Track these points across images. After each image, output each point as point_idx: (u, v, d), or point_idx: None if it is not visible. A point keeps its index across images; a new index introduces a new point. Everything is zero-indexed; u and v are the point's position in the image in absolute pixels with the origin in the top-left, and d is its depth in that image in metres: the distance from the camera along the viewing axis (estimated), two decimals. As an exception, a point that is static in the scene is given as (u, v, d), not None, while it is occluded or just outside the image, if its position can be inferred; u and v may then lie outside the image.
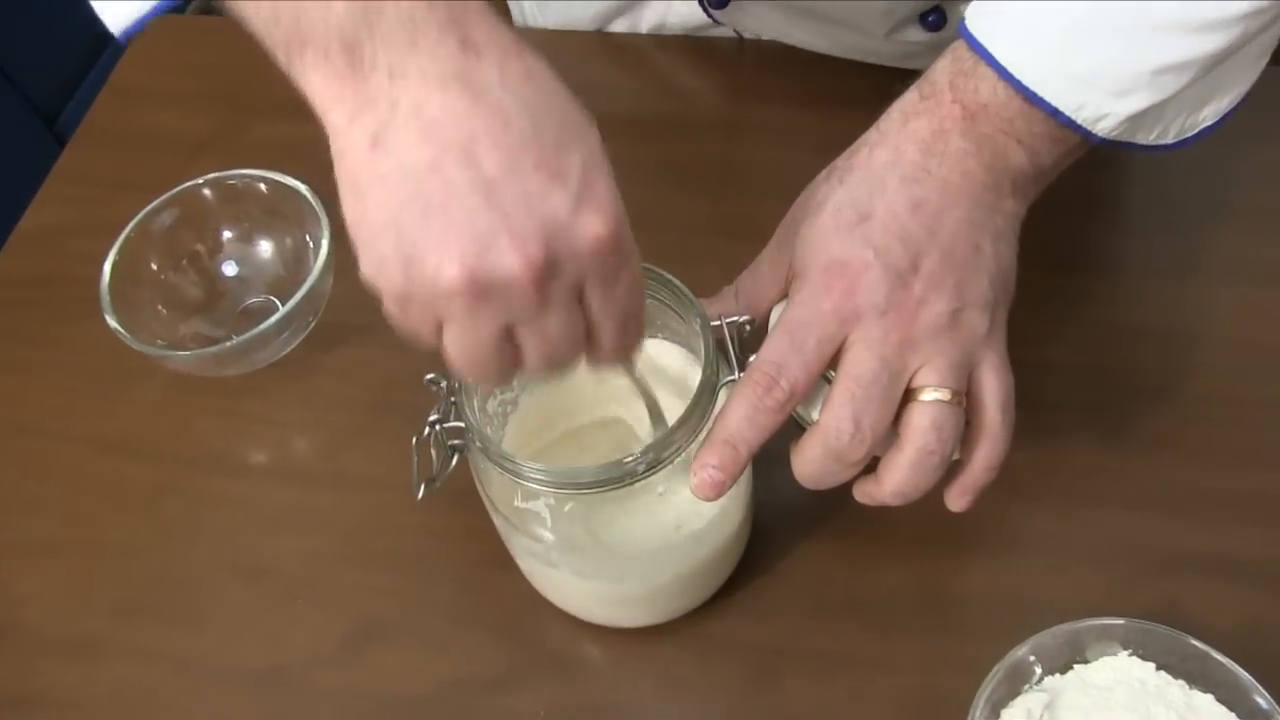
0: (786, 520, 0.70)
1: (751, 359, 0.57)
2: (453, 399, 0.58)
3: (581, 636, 0.69)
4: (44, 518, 0.76)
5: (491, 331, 0.48)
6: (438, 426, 0.59)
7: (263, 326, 0.75)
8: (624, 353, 0.53)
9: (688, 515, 0.62)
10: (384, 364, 0.79)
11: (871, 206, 0.56)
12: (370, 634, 0.70)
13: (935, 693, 0.65)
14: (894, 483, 0.56)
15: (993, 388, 0.57)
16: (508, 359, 0.50)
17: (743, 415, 0.56)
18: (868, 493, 0.58)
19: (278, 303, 0.82)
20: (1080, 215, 0.82)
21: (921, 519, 0.67)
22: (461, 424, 0.58)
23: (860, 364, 0.55)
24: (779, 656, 0.67)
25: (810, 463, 0.56)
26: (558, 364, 0.51)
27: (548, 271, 0.46)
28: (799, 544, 0.70)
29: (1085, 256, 0.81)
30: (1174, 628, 0.59)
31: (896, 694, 0.65)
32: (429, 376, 0.60)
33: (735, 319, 0.60)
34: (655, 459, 0.55)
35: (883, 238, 0.56)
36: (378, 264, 0.47)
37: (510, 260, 0.45)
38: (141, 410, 0.80)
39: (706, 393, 0.57)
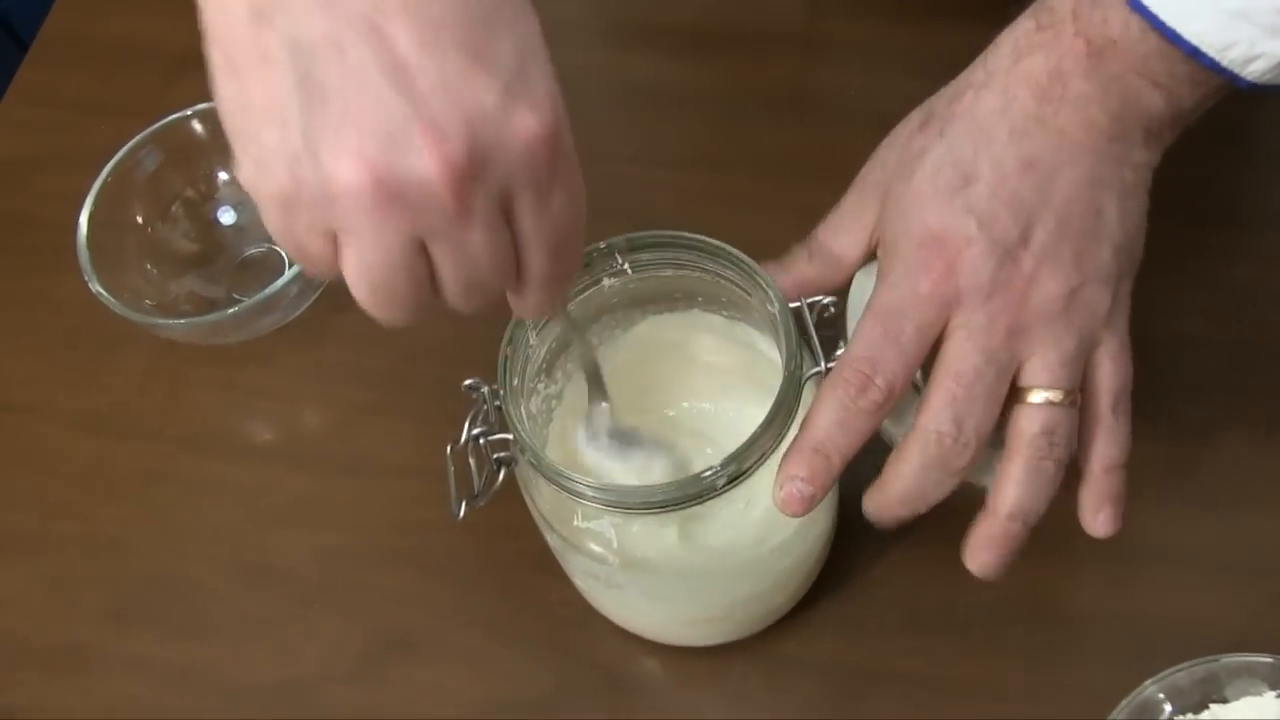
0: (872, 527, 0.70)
1: (839, 352, 0.57)
2: (497, 404, 0.59)
3: (640, 653, 0.69)
4: (21, 508, 0.77)
5: (399, 247, 0.45)
6: (481, 441, 0.59)
7: (268, 290, 0.74)
8: (556, 285, 0.50)
9: (772, 527, 0.61)
10: (406, 330, 0.78)
11: (976, 166, 0.56)
12: (394, 647, 0.70)
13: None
14: (1010, 501, 0.56)
15: (1108, 378, 0.57)
16: (419, 284, 0.48)
17: (834, 419, 0.55)
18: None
19: (281, 253, 0.82)
20: (1227, 158, 0.81)
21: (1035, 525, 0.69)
22: (508, 435, 0.58)
23: (962, 357, 0.54)
24: (863, 678, 0.67)
25: (905, 477, 0.56)
26: (479, 292, 0.49)
27: (470, 173, 0.44)
28: (889, 549, 0.70)
29: (1232, 208, 0.80)
30: (1332, 663, 0.59)
31: (999, 724, 0.65)
32: (468, 382, 0.59)
33: (818, 299, 0.60)
34: (737, 470, 0.55)
35: (989, 205, 0.55)
36: (256, 161, 0.45)
37: (424, 158, 0.43)
38: (129, 381, 0.80)
39: (792, 389, 0.57)
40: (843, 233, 0.61)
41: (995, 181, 0.55)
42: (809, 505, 0.56)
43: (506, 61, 0.44)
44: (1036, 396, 0.55)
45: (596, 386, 0.62)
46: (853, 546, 0.70)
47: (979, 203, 0.55)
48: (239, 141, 0.46)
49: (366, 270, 0.47)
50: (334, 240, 0.46)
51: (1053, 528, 0.68)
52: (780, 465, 0.56)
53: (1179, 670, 0.59)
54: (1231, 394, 0.73)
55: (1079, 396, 0.56)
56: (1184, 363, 0.74)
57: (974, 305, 0.55)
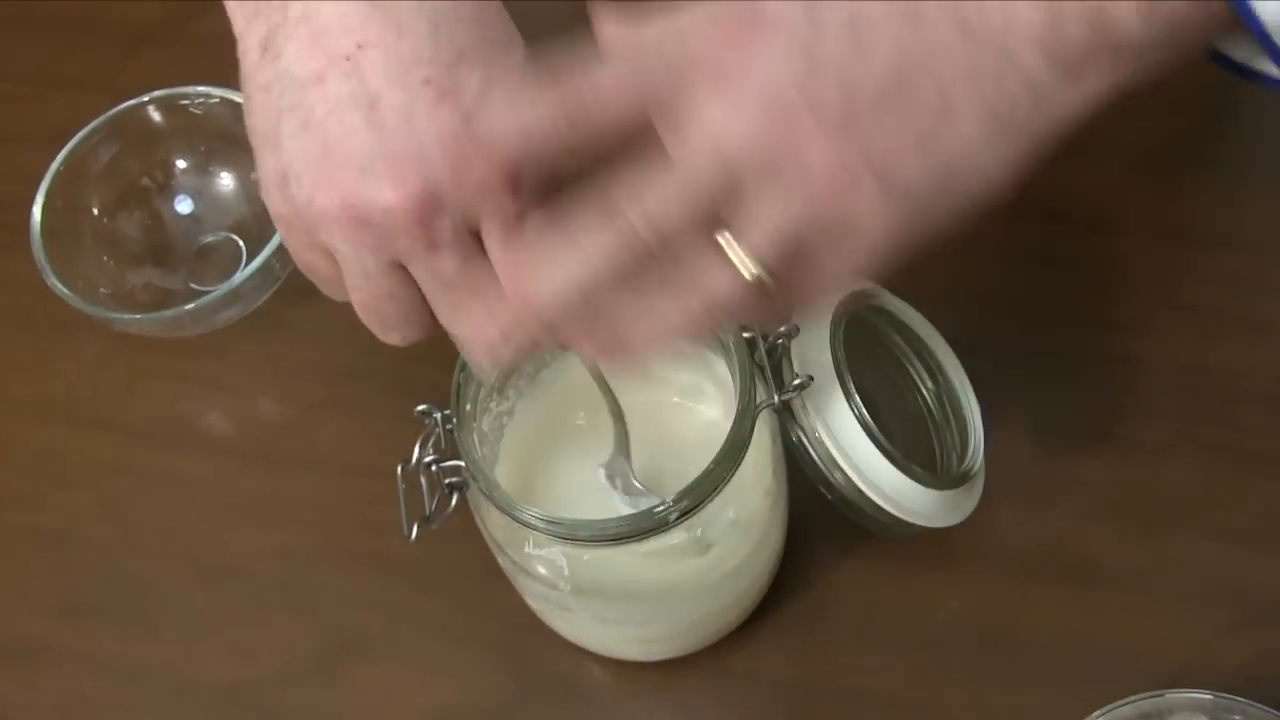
0: (824, 535, 0.70)
1: (795, 382, 0.57)
2: (449, 429, 0.59)
3: (592, 663, 0.70)
4: (-32, 497, 0.76)
5: (378, 270, 0.49)
6: (433, 467, 0.59)
7: (228, 284, 0.74)
8: (529, 318, 0.48)
9: (725, 553, 0.62)
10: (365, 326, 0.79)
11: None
12: (350, 649, 0.71)
13: (992, 748, 0.66)
14: None
15: None
16: (405, 305, 0.51)
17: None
18: None
19: (239, 241, 0.81)
20: (1190, 174, 0.81)
21: (985, 544, 0.70)
22: (460, 461, 0.58)
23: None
24: (811, 695, 0.68)
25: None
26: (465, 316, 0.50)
27: (427, 204, 0.46)
28: (839, 564, 0.71)
29: (1191, 226, 0.80)
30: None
31: (946, 749, 0.66)
32: (420, 408, 0.59)
33: (780, 330, 0.60)
34: (690, 505, 0.56)
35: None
36: (261, 182, 0.50)
37: (384, 188, 0.46)
38: (82, 368, 0.80)
39: (746, 423, 0.57)
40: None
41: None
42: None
43: (471, 95, 0.46)
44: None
45: (622, 437, 0.62)
46: (802, 559, 0.71)
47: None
48: (256, 159, 0.51)
49: (354, 290, 0.50)
50: (329, 256, 0.49)
51: (1007, 550, 0.70)
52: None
53: (1124, 704, 0.61)
54: (1183, 418, 0.74)
55: None
56: (1137, 384, 0.74)
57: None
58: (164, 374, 0.80)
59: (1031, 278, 0.78)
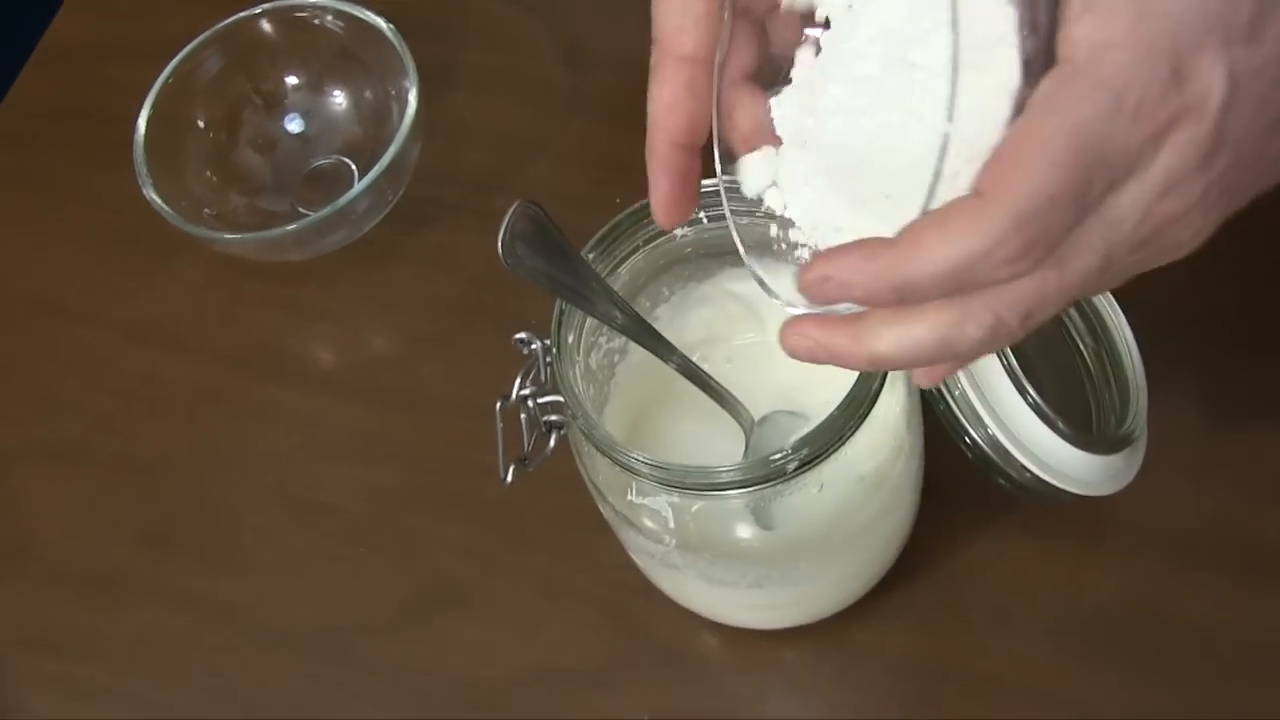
0: (963, 501, 0.65)
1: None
2: (549, 362, 0.55)
3: (699, 629, 0.66)
4: (63, 418, 0.75)
5: None
6: (530, 402, 0.55)
7: (335, 205, 0.71)
8: None
9: (847, 512, 0.58)
10: (478, 254, 0.74)
11: (1268, 20, 0.38)
12: (441, 599, 0.68)
13: (1139, 748, 0.61)
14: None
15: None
16: None
17: (945, 278, 0.38)
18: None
19: (351, 165, 0.79)
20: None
21: (1143, 519, 0.65)
22: (559, 397, 0.54)
23: (1083, 255, 0.39)
24: (940, 678, 0.64)
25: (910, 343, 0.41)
26: None
27: None
28: (979, 534, 0.66)
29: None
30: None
31: (1089, 744, 0.62)
32: (519, 336, 0.55)
33: None
34: (810, 455, 0.51)
35: (1245, 88, 0.38)
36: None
37: None
38: (184, 291, 0.79)
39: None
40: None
41: (1271, 60, 0.38)
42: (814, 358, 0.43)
43: None
44: None
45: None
46: (937, 529, 0.66)
47: (1241, 78, 0.38)
48: None
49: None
50: None
51: (1169, 526, 0.64)
52: (843, 259, 0.40)
53: None
54: None
55: None
56: None
57: (1143, 196, 0.38)
58: (266, 301, 0.78)
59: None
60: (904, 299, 0.39)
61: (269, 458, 0.73)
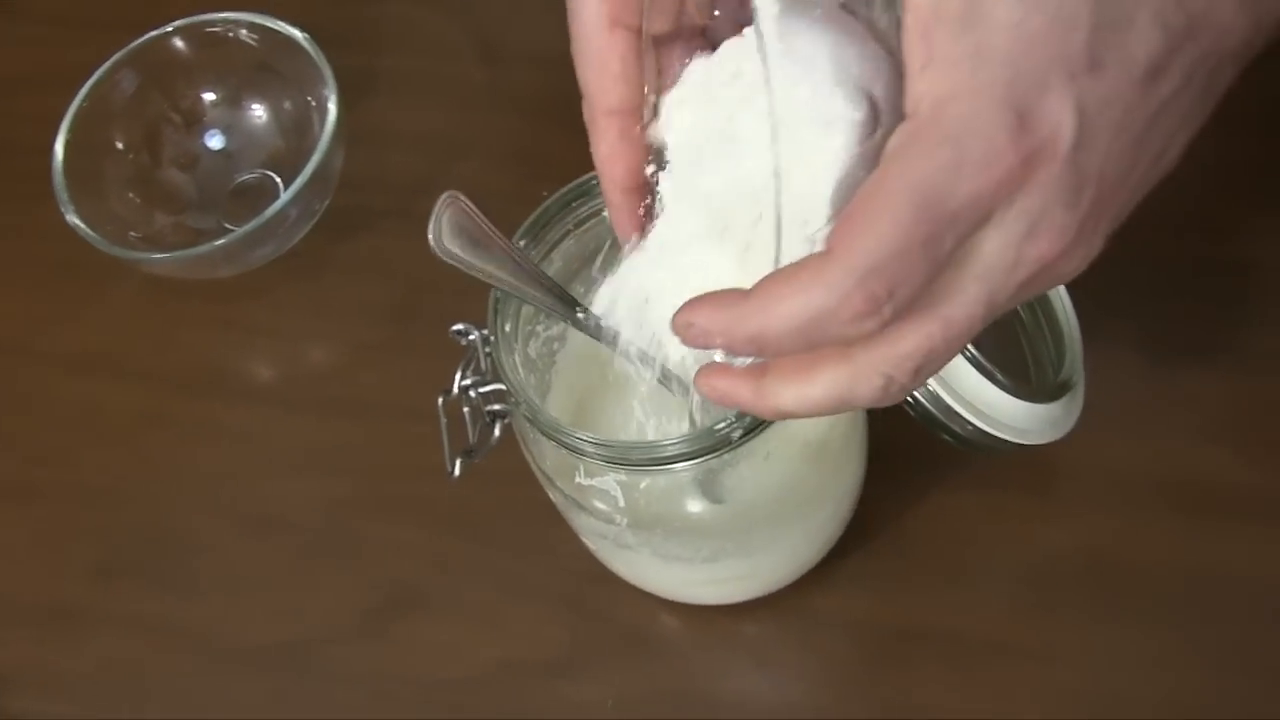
0: (910, 461, 0.65)
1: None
2: (489, 351, 0.55)
3: (659, 610, 0.66)
4: (5, 455, 0.74)
5: None
6: (472, 393, 0.55)
7: (261, 218, 0.71)
8: None
9: (796, 479, 0.58)
10: (410, 257, 0.73)
11: (1124, 37, 0.38)
12: (402, 603, 0.68)
13: (1098, 691, 0.61)
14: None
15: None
16: None
17: (798, 326, 0.38)
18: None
19: (276, 179, 0.78)
20: None
21: (1089, 469, 0.65)
22: (501, 386, 0.54)
23: (965, 304, 0.39)
24: (903, 638, 0.64)
25: (814, 394, 0.42)
26: None
27: None
28: (928, 494, 0.67)
29: None
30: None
31: (1054, 691, 0.62)
32: (456, 327, 0.55)
33: None
34: (754, 422, 0.51)
35: (1097, 118, 0.37)
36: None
37: None
38: (118, 318, 0.78)
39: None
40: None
41: (1121, 89, 0.38)
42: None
43: None
44: None
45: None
46: (887, 490, 0.66)
47: (1089, 108, 0.37)
48: None
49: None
50: None
51: (1116, 472, 0.65)
52: (700, 308, 0.40)
53: None
54: None
55: None
56: (1251, 290, 0.69)
57: (1010, 239, 0.38)
58: (202, 320, 0.77)
59: None
60: (761, 351, 0.40)
61: (217, 477, 0.72)
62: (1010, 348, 0.62)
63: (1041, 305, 0.63)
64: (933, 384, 0.56)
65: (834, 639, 0.65)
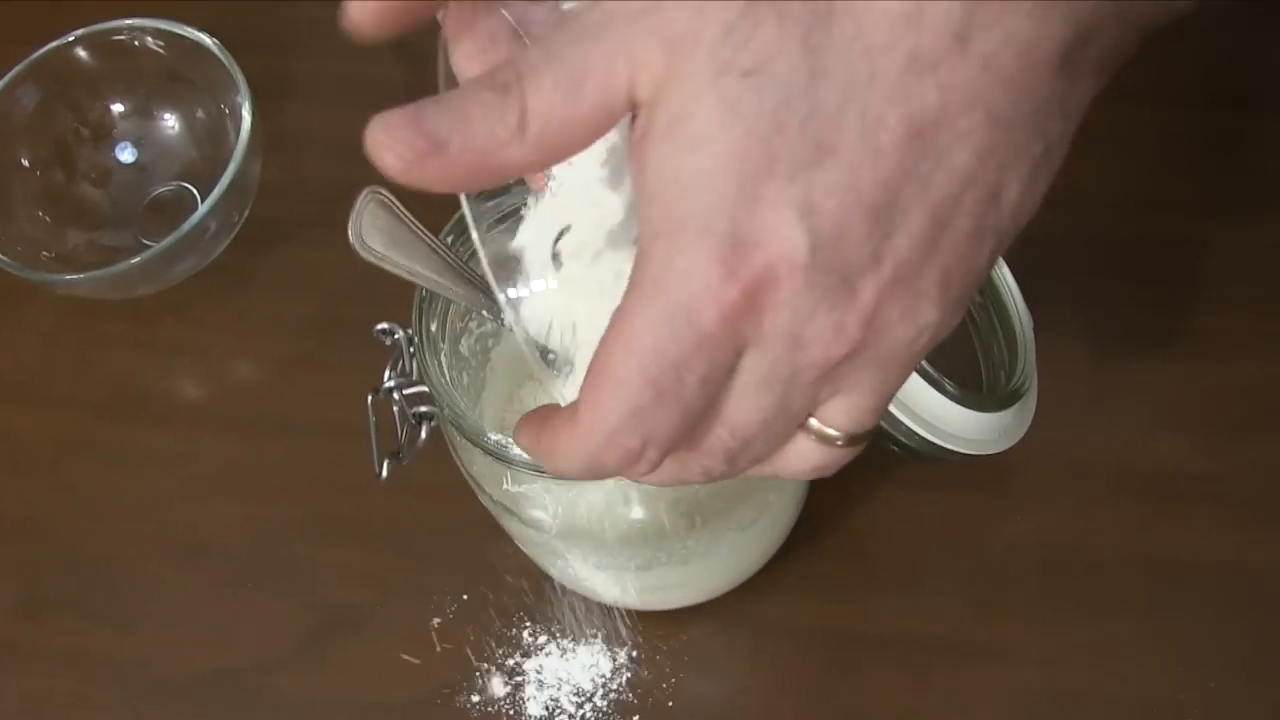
0: (862, 458, 0.63)
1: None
2: (412, 352, 0.53)
3: (607, 616, 0.64)
4: (-81, 490, 0.72)
5: None
6: (397, 394, 0.53)
7: (179, 232, 0.68)
8: None
9: (733, 485, 0.56)
10: (334, 268, 0.73)
11: (840, 126, 0.34)
12: (338, 626, 0.66)
13: (1057, 690, 0.60)
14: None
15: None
16: None
17: (577, 464, 0.38)
18: None
19: (193, 190, 0.76)
20: (1250, 32, 0.73)
21: (1040, 462, 0.64)
22: (426, 388, 0.52)
23: (748, 410, 0.38)
24: (855, 643, 0.63)
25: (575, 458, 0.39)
26: None
27: None
28: (875, 492, 0.65)
29: (1254, 90, 0.73)
30: None
31: (1009, 690, 0.61)
32: (380, 327, 0.54)
33: None
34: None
35: (839, 209, 0.34)
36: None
37: None
38: (33, 341, 0.75)
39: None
40: (585, 94, 0.35)
41: (859, 162, 0.34)
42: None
43: None
44: (825, 433, 0.40)
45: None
46: (835, 489, 0.62)
47: (824, 203, 0.34)
48: None
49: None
50: None
51: (1070, 465, 0.64)
52: (520, 433, 0.41)
53: None
54: (1256, 305, 0.67)
55: None
56: (1201, 269, 0.68)
57: (777, 355, 0.36)
58: (121, 341, 0.75)
59: (1074, 158, 0.69)
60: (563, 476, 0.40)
61: (143, 503, 0.70)
62: (962, 352, 0.60)
63: (995, 306, 0.61)
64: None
65: (786, 647, 0.63)
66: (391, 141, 0.35)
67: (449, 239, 0.52)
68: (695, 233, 0.33)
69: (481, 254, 0.43)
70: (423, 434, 0.54)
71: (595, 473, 0.38)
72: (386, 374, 0.54)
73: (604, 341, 0.36)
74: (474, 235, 0.43)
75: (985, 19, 0.33)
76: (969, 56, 0.33)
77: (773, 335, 0.35)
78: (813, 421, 0.38)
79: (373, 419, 0.54)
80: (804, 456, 0.40)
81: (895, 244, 0.35)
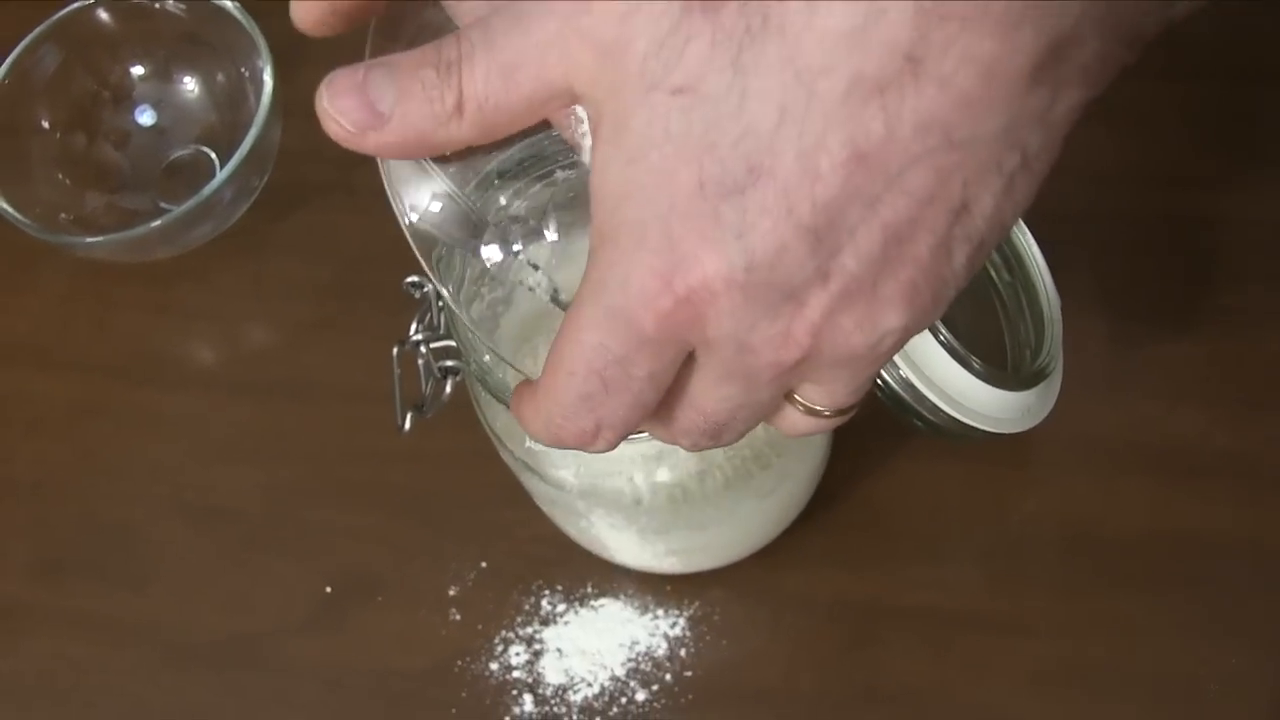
0: (881, 429, 0.63)
1: None
2: (440, 306, 0.52)
3: (626, 585, 0.64)
4: (-67, 450, 0.71)
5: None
6: (423, 347, 0.53)
7: (199, 197, 0.68)
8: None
9: (755, 451, 0.56)
10: (355, 233, 0.73)
11: (774, 149, 0.32)
12: (355, 592, 0.65)
13: (1076, 664, 0.60)
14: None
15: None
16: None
17: (544, 434, 0.40)
18: None
19: (211, 154, 0.75)
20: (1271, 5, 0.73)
21: (1061, 434, 0.63)
22: (453, 342, 0.52)
23: (709, 400, 0.38)
24: (874, 615, 0.62)
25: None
26: None
27: None
28: (899, 462, 0.65)
29: (1275, 64, 0.72)
30: None
31: (1030, 664, 0.60)
32: (409, 279, 0.53)
33: None
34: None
35: (774, 232, 0.33)
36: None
37: None
38: (49, 303, 0.75)
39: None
40: (519, 82, 0.35)
41: (795, 185, 0.32)
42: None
43: None
44: (810, 408, 0.40)
45: None
46: (854, 460, 0.65)
47: (758, 223, 0.33)
48: None
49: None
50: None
51: (1091, 437, 0.64)
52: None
53: None
54: (1276, 281, 0.67)
55: None
56: (1222, 246, 0.67)
57: (727, 357, 0.36)
58: (138, 305, 0.74)
59: (1097, 135, 0.69)
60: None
61: (159, 466, 0.70)
62: (989, 330, 0.60)
63: (1025, 287, 0.60)
64: (903, 368, 0.54)
65: (804, 618, 0.63)
66: (334, 111, 0.36)
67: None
68: (634, 243, 0.33)
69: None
70: (448, 388, 0.54)
71: (557, 445, 0.39)
72: (413, 327, 0.53)
73: (560, 329, 0.36)
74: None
75: (941, 39, 0.30)
76: (923, 79, 0.31)
77: (718, 341, 0.35)
78: (796, 397, 0.38)
79: (398, 371, 0.53)
80: (795, 424, 0.40)
81: (843, 263, 0.33)
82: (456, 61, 0.35)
